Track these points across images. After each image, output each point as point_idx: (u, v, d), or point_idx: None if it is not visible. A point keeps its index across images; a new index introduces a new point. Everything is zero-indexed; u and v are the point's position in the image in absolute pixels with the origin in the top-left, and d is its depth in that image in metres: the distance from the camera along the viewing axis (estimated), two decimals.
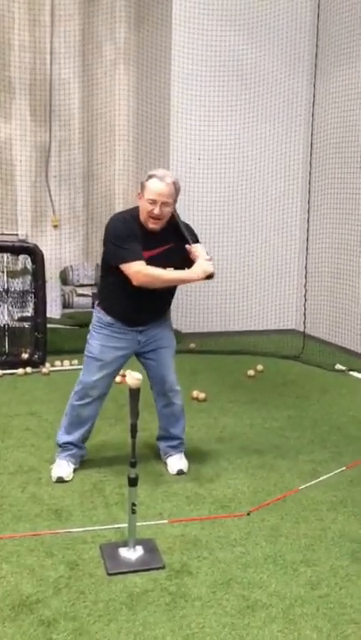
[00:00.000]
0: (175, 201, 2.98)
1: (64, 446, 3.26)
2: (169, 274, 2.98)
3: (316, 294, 6.43)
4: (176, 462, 3.35)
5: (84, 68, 7.07)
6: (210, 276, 2.99)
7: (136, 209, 3.02)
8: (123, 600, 2.25)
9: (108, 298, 3.16)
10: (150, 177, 2.94)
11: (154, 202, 2.89)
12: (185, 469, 3.33)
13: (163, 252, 3.01)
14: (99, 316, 3.17)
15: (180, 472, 3.31)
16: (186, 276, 3.00)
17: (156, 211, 2.90)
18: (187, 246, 3.01)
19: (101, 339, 3.15)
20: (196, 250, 3.00)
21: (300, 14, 6.61)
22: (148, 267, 2.93)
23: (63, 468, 3.21)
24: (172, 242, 3.03)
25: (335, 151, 6.27)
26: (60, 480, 3.15)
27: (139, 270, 2.91)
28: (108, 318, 3.13)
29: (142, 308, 3.08)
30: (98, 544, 2.60)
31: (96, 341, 3.16)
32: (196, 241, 3.10)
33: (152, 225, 2.95)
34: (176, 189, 2.96)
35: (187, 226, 3.11)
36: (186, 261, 3.01)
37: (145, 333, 3.17)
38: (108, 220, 3.10)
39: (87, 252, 7.41)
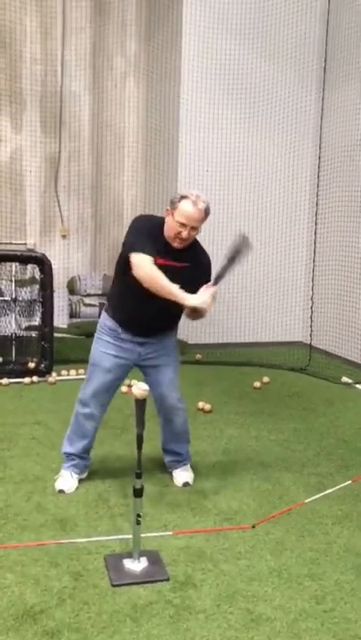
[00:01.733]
0: (202, 224, 2.97)
1: (67, 456, 3.27)
2: (167, 282, 2.85)
3: (323, 307, 6.43)
4: (181, 475, 3.35)
5: (95, 80, 7.15)
6: (197, 312, 2.91)
7: (163, 220, 2.98)
8: (127, 612, 2.24)
9: (115, 302, 3.14)
10: (183, 198, 2.89)
11: (183, 225, 2.88)
12: (190, 481, 3.33)
13: (177, 267, 2.94)
14: (103, 321, 3.16)
15: (186, 484, 3.30)
16: (179, 295, 2.83)
17: (184, 234, 2.89)
18: (209, 284, 2.93)
19: (102, 345, 3.14)
20: (211, 289, 2.91)
21: (309, 28, 6.66)
22: (154, 265, 2.85)
23: (66, 480, 3.21)
24: (189, 262, 3.01)
25: (343, 164, 6.29)
26: (62, 492, 3.15)
27: (143, 260, 2.84)
28: (111, 323, 3.10)
29: (147, 318, 3.04)
30: (102, 555, 2.60)
31: (97, 347, 3.16)
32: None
33: (176, 244, 2.94)
34: (206, 214, 2.94)
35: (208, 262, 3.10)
36: (193, 288, 2.91)
37: (146, 346, 3.12)
38: (135, 217, 3.10)
39: (95, 262, 7.45)
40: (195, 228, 2.92)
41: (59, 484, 3.19)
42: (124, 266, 2.99)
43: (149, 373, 3.20)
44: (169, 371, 3.21)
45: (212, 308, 2.91)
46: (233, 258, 2.95)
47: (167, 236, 2.95)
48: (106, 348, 3.12)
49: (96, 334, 3.19)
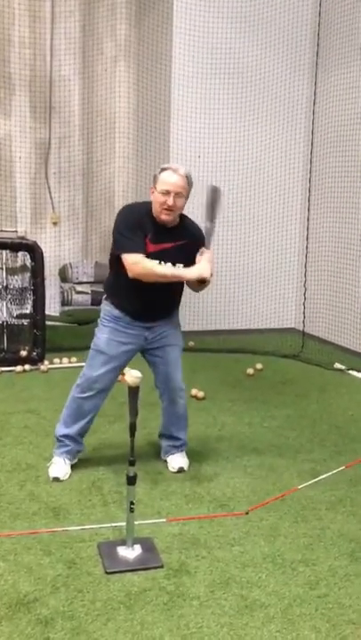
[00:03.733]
0: (187, 195, 2.98)
1: (61, 440, 3.24)
2: (163, 269, 2.96)
3: (316, 293, 6.42)
4: (177, 460, 3.35)
5: (85, 64, 7.04)
6: (203, 281, 2.99)
7: (149, 203, 3.01)
8: (121, 599, 2.24)
9: (116, 293, 3.14)
10: (163, 169, 2.96)
11: (167, 192, 2.89)
12: (185, 467, 3.33)
13: (175, 247, 3.01)
14: (107, 309, 3.16)
15: (181, 470, 3.30)
16: (180, 273, 2.98)
17: (170, 201, 2.89)
18: (202, 248, 3.01)
19: (109, 332, 3.12)
20: (205, 253, 3.00)
21: (302, 12, 6.59)
22: (145, 259, 2.93)
23: (60, 466, 3.20)
24: (186, 239, 3.04)
25: (336, 150, 6.26)
26: (57, 480, 3.14)
27: (136, 262, 2.92)
28: (116, 312, 3.11)
29: (151, 304, 3.07)
30: (96, 542, 2.59)
31: (103, 334, 3.14)
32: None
33: (165, 217, 2.95)
34: (189, 182, 2.97)
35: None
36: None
37: (153, 330, 3.15)
38: (120, 209, 3.11)
39: (86, 249, 7.39)
40: (179, 195, 2.91)
41: (53, 472, 3.17)
42: (116, 261, 3.03)
43: (157, 354, 3.22)
44: (176, 350, 3.25)
45: (214, 270, 3.00)
46: (212, 214, 3.04)
47: (156, 214, 2.96)
48: (113, 335, 3.12)
49: (100, 322, 3.19)
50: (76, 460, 3.30)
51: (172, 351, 3.23)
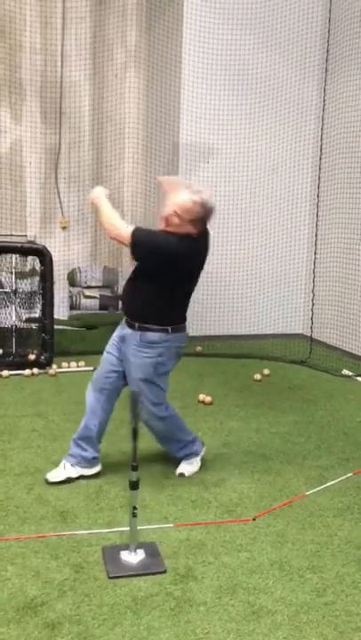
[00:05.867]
0: (192, 220, 2.95)
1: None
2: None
3: (324, 299, 6.41)
4: (181, 465, 3.36)
5: (95, 70, 7.09)
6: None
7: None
8: (127, 604, 2.24)
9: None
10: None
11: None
12: (186, 474, 3.32)
13: None
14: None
15: (181, 475, 3.32)
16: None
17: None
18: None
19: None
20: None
21: (311, 19, 6.60)
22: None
23: (57, 470, 3.23)
24: None
25: (345, 156, 6.25)
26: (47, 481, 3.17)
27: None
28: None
29: (124, 293, 3.17)
30: (102, 547, 2.60)
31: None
32: None
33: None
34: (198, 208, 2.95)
35: None
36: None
37: (122, 327, 3.15)
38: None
39: (95, 253, 7.41)
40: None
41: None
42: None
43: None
44: (131, 370, 3.09)
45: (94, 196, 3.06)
46: None
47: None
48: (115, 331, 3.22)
49: None
50: (86, 472, 3.26)
51: (128, 371, 3.11)
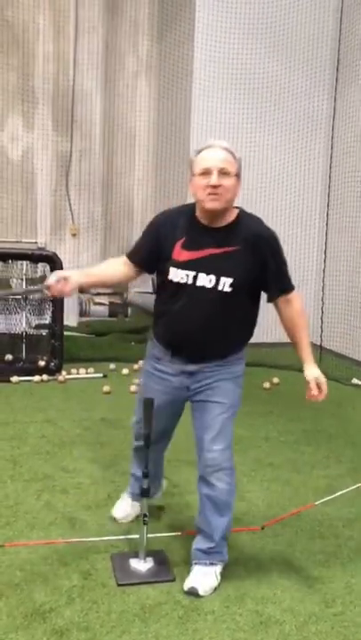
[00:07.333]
0: (238, 174, 2.30)
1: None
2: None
3: (333, 308, 6.39)
4: (193, 575, 2.39)
5: (107, 79, 7.15)
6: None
7: (192, 204, 2.38)
8: (136, 612, 2.24)
9: (155, 316, 2.52)
10: (200, 151, 2.31)
11: (208, 171, 2.23)
12: (201, 592, 2.32)
13: (222, 255, 2.31)
14: (148, 344, 2.59)
15: (192, 591, 2.32)
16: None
17: (213, 180, 2.21)
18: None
19: (146, 375, 2.57)
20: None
21: (322, 26, 6.63)
22: (110, 261, 2.63)
23: (120, 503, 2.95)
24: (239, 245, 2.34)
25: (356, 165, 6.26)
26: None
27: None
28: (155, 349, 2.51)
29: (185, 330, 2.35)
30: (111, 554, 2.60)
31: (143, 378, 2.64)
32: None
33: (211, 203, 2.24)
34: (234, 155, 2.29)
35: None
36: (250, 275, 2.41)
37: (195, 377, 2.41)
38: None
39: (105, 260, 7.45)
40: (224, 173, 2.23)
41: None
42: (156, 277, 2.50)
43: (195, 409, 2.47)
44: (216, 409, 2.39)
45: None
46: None
47: (201, 203, 2.29)
48: (149, 379, 2.52)
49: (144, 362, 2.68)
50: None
51: (211, 409, 2.39)
